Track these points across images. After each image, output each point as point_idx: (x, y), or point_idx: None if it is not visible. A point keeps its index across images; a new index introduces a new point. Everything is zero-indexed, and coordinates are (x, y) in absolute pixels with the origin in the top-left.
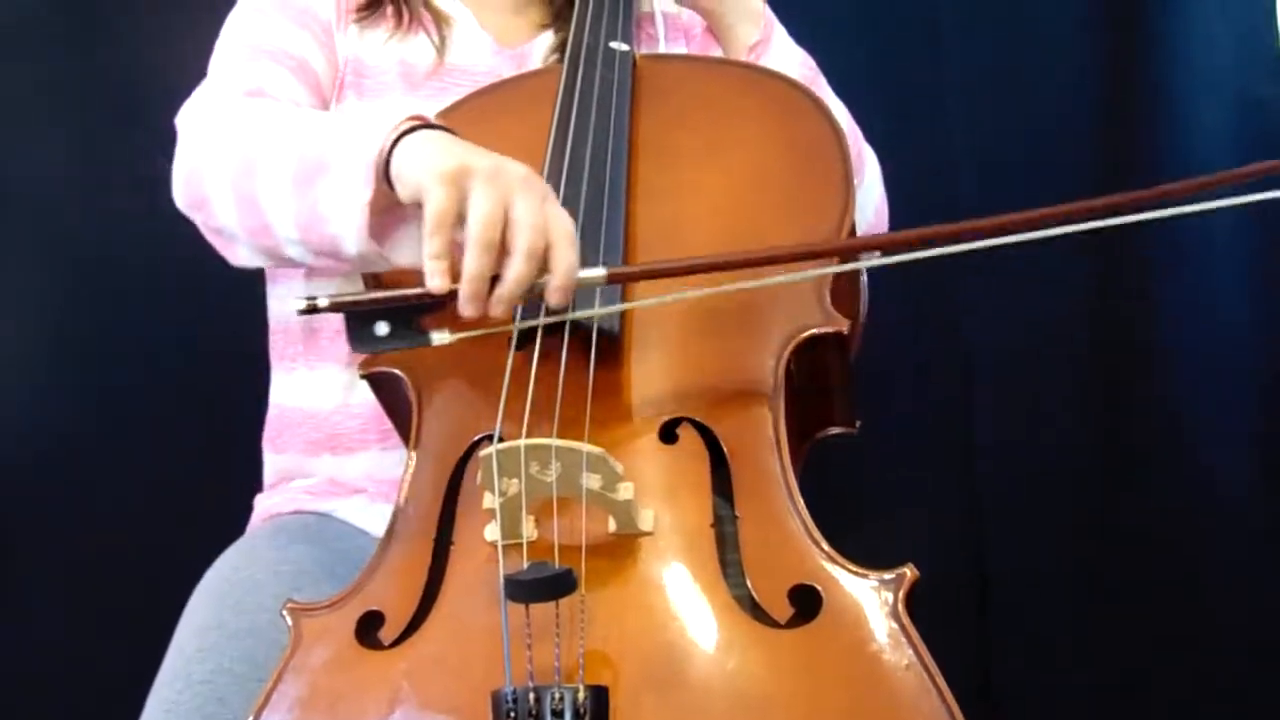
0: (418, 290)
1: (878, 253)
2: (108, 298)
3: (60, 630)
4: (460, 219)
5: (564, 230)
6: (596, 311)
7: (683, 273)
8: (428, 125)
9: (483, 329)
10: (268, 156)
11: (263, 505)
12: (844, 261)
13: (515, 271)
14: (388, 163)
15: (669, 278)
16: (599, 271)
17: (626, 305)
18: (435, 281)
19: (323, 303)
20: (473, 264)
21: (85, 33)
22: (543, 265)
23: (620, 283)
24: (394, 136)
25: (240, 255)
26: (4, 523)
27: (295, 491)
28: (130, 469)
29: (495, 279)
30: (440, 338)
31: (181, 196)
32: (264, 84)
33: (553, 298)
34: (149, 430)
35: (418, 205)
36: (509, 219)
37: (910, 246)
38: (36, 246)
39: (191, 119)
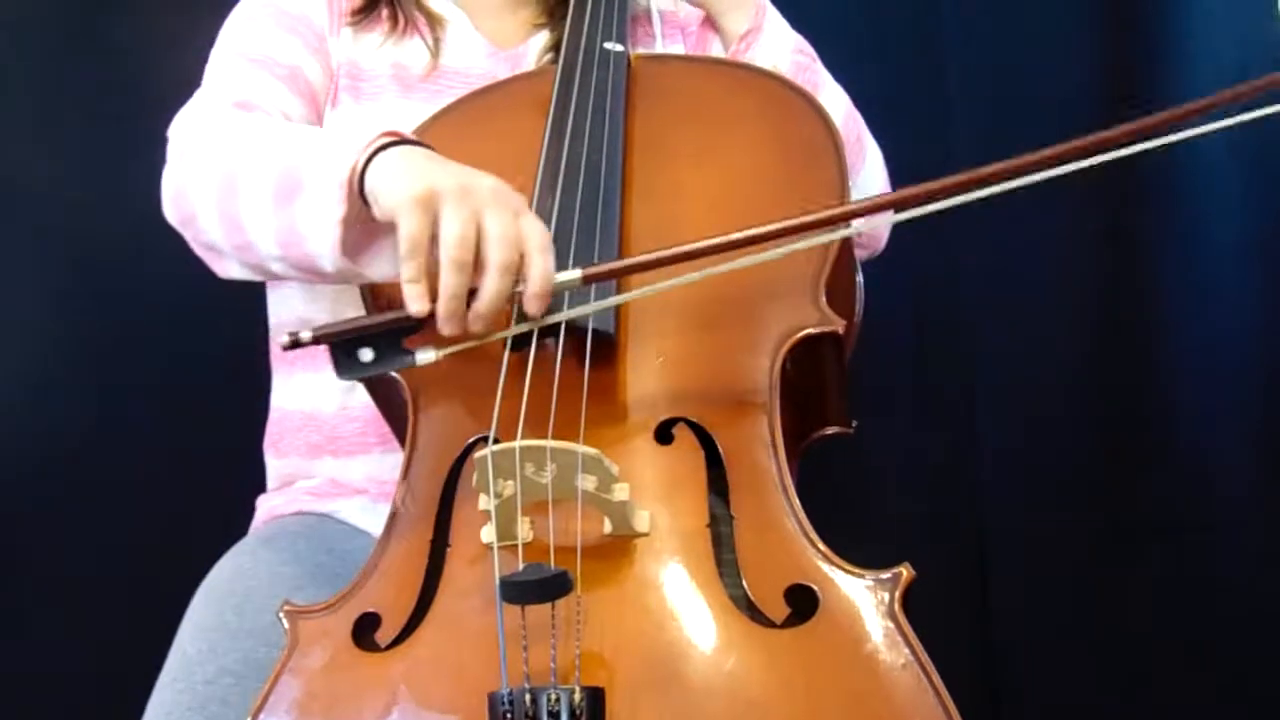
0: (397, 314)
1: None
2: (109, 300)
3: (61, 631)
4: (434, 240)
5: (538, 239)
6: (591, 308)
7: (659, 264)
8: (402, 141)
9: (469, 342)
10: (249, 174)
11: (265, 506)
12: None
13: (491, 286)
14: (362, 180)
15: (650, 269)
16: (574, 274)
17: (620, 299)
18: (414, 305)
19: (306, 336)
20: (448, 284)
21: (87, 33)
22: (519, 276)
23: (596, 281)
24: (367, 154)
25: (230, 269)
26: (6, 523)
27: (297, 492)
28: (132, 470)
29: (474, 293)
30: (425, 357)
31: (171, 213)
32: (253, 95)
33: (530, 305)
34: (151, 432)
35: (393, 223)
36: (481, 235)
37: (894, 208)
38: (38, 248)
39: (180, 133)
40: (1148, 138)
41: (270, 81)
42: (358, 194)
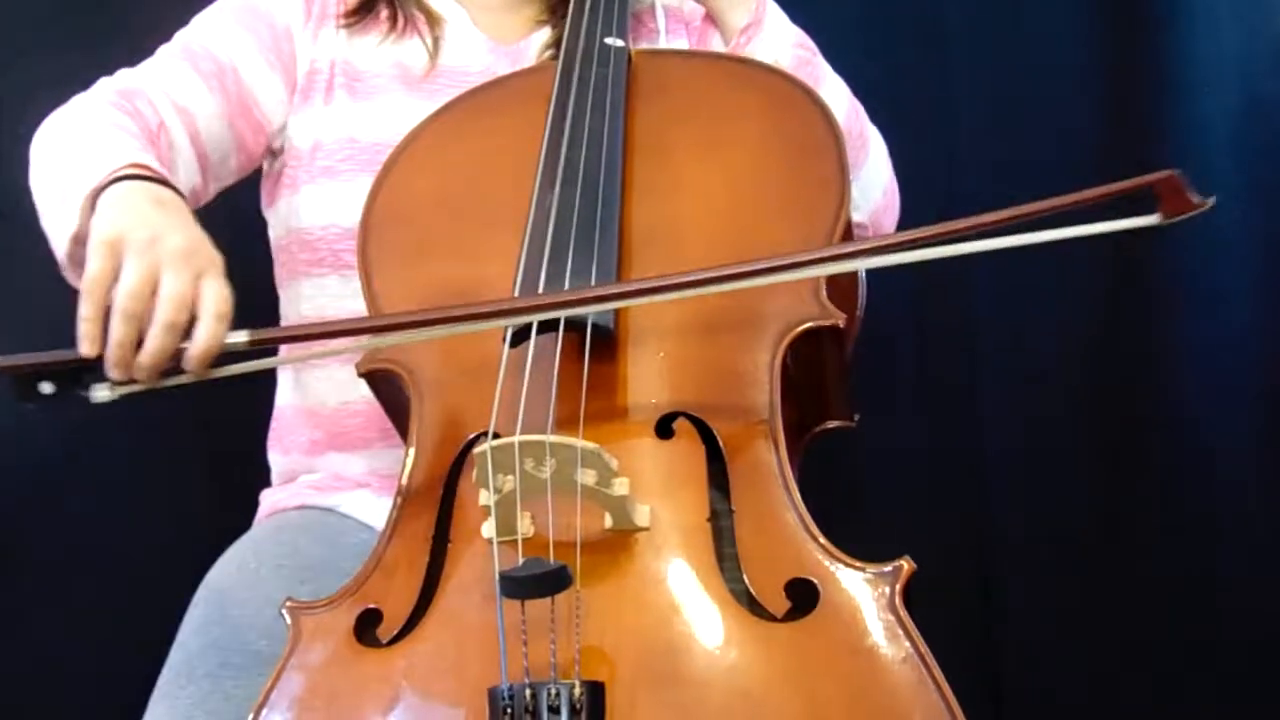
0: (70, 354)
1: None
2: None
3: (63, 627)
4: (115, 285)
5: (212, 304)
6: (591, 309)
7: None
8: (140, 176)
9: (140, 385)
10: (53, 168)
11: (268, 500)
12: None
13: (151, 343)
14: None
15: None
16: (241, 336)
17: (620, 303)
18: (83, 346)
19: None
20: (114, 332)
21: (86, 32)
22: (184, 336)
23: (262, 345)
24: (106, 180)
25: None
26: (9, 521)
27: (300, 486)
28: (137, 466)
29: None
30: (100, 394)
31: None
32: (150, 85)
33: (188, 365)
34: (156, 428)
35: None
36: (157, 291)
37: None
38: (39, 247)
39: (59, 110)
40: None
41: (188, 75)
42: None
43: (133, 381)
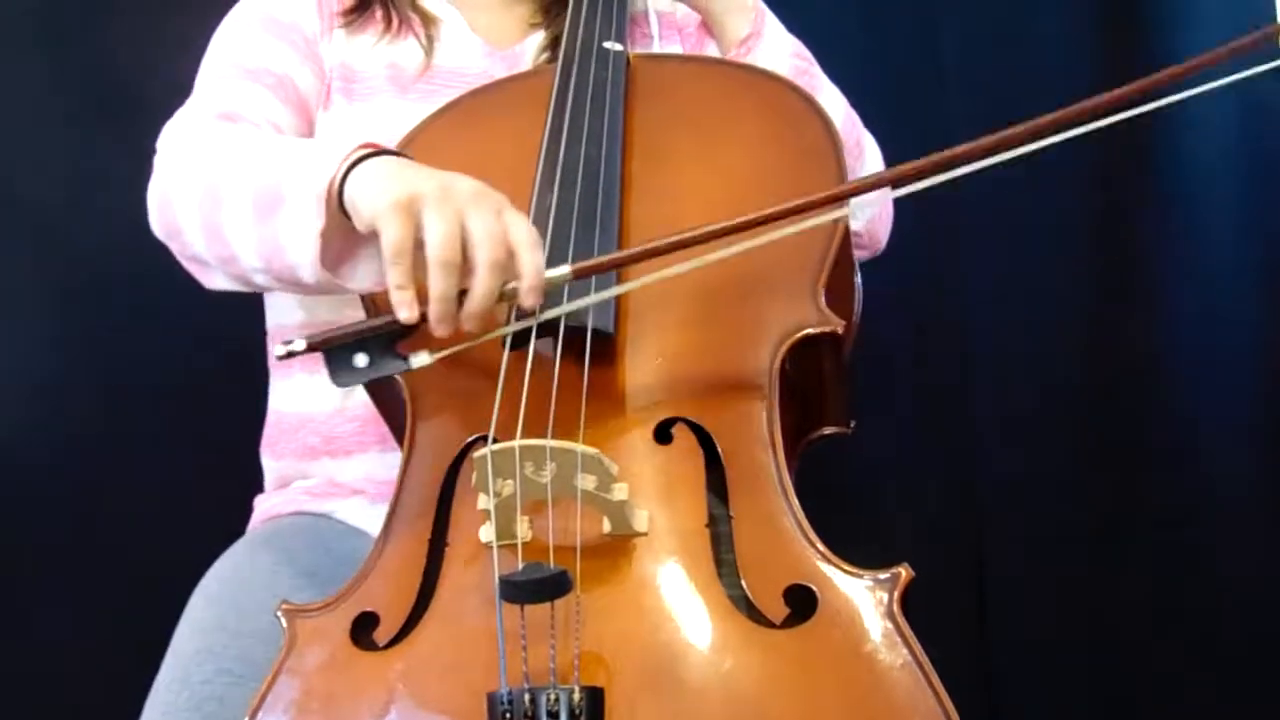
0: (390, 319)
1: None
2: (108, 303)
3: (61, 631)
4: (419, 244)
5: (524, 235)
6: (591, 300)
7: (651, 255)
8: (380, 151)
9: (463, 343)
10: (231, 187)
11: (262, 507)
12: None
13: (481, 286)
14: (342, 193)
15: (641, 261)
16: (564, 270)
17: (616, 290)
18: (403, 312)
19: (299, 345)
20: (437, 286)
21: (85, 33)
22: (508, 273)
23: (586, 275)
24: (345, 166)
25: (215, 281)
26: (7, 524)
27: (295, 492)
28: (131, 472)
29: (465, 294)
30: (419, 360)
31: (157, 226)
32: (239, 105)
33: (526, 300)
34: (150, 433)
35: (375, 234)
36: (466, 235)
37: (894, 183)
38: (38, 250)
39: (166, 146)
40: (1147, 100)
41: (259, 91)
42: (337, 207)
43: (452, 341)
